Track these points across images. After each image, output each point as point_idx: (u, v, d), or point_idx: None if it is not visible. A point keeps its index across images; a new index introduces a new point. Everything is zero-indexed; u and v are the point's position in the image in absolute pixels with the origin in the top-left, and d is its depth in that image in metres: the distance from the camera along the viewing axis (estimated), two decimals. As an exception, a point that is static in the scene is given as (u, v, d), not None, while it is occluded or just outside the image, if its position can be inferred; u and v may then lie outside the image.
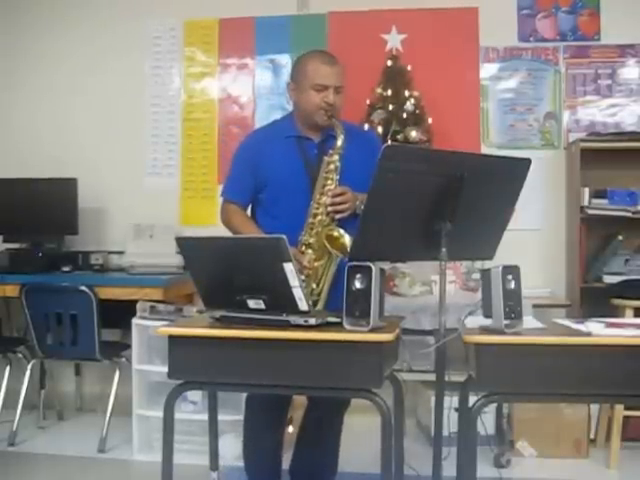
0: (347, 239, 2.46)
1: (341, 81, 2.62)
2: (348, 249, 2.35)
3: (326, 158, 2.57)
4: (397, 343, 2.21)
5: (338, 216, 2.53)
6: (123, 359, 3.84)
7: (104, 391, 3.98)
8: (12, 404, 3.80)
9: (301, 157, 2.65)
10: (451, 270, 3.61)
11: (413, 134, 3.90)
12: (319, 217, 2.53)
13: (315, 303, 2.49)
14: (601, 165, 3.90)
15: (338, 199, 2.52)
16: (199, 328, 2.16)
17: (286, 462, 2.93)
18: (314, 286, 2.52)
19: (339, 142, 2.55)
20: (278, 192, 2.64)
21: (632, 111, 4.24)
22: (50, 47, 4.68)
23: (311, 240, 2.53)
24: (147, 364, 3.60)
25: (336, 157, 2.55)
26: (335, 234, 2.50)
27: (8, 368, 3.91)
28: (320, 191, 2.55)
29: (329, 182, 2.54)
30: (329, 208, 2.52)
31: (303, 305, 2.05)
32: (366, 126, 3.84)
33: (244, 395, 3.41)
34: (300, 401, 3.11)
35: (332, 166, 2.55)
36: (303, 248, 2.53)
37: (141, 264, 4.07)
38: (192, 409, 3.52)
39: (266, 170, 2.65)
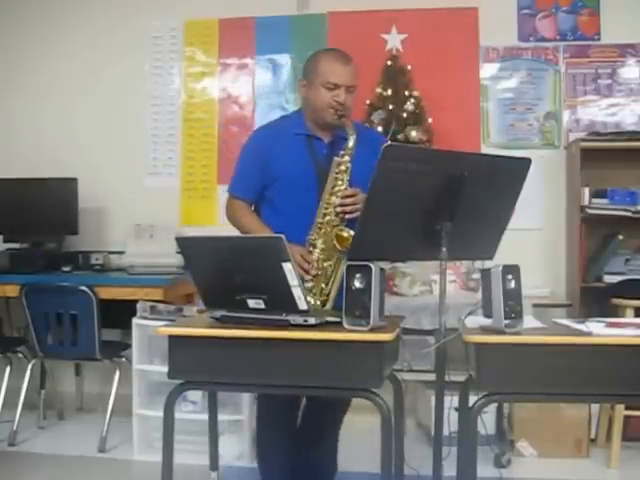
0: None
1: (353, 81, 2.61)
2: None
3: (337, 159, 2.52)
4: (397, 343, 2.21)
5: (348, 216, 2.48)
6: (123, 359, 3.84)
7: (104, 391, 3.97)
8: (12, 404, 3.79)
9: (311, 156, 2.62)
10: (451, 270, 3.61)
11: (413, 134, 3.91)
12: (327, 217, 2.50)
13: (324, 303, 2.47)
14: (601, 165, 3.91)
15: (348, 200, 2.48)
16: (199, 328, 2.16)
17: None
18: (323, 286, 2.49)
19: (350, 143, 2.50)
20: (286, 190, 2.60)
21: (632, 111, 4.25)
22: (51, 48, 4.68)
23: (319, 240, 2.50)
24: (147, 364, 3.60)
25: (347, 158, 2.50)
26: (345, 235, 2.46)
27: (8, 368, 3.90)
28: (330, 191, 2.50)
29: (339, 183, 2.50)
30: (338, 209, 2.48)
31: (302, 304, 2.04)
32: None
33: (245, 395, 3.43)
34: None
35: (343, 167, 2.50)
36: (311, 248, 2.50)
37: (141, 264, 4.07)
38: (192, 409, 3.52)
39: (275, 167, 2.61)
